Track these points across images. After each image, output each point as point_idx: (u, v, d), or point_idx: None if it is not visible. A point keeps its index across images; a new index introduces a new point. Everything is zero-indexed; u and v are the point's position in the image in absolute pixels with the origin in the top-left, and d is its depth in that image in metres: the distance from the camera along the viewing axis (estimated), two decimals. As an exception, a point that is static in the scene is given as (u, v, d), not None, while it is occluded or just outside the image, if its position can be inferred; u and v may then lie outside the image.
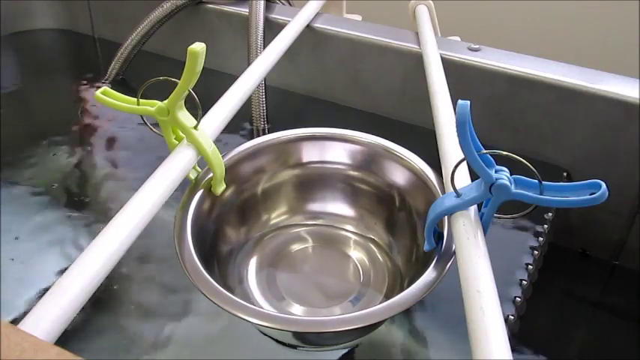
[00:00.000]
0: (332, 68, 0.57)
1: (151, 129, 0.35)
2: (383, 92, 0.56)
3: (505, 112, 0.50)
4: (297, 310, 0.35)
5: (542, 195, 0.27)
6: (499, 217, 0.31)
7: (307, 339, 0.33)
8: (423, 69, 0.47)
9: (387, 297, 0.34)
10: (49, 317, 0.24)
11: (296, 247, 0.39)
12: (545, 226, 0.43)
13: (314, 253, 0.39)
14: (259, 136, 0.41)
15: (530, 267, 0.39)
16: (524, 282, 0.38)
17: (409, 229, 0.37)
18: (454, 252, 0.31)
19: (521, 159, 0.26)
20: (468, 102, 0.26)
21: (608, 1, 0.89)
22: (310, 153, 0.41)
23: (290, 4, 0.63)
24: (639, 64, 0.87)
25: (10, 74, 0.65)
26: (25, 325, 0.23)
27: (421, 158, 0.38)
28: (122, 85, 0.62)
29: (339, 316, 0.29)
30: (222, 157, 0.36)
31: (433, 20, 0.56)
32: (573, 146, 0.48)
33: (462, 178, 0.32)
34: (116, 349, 0.35)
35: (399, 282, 0.36)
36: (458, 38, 0.55)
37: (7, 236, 0.42)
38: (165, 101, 0.33)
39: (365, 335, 0.34)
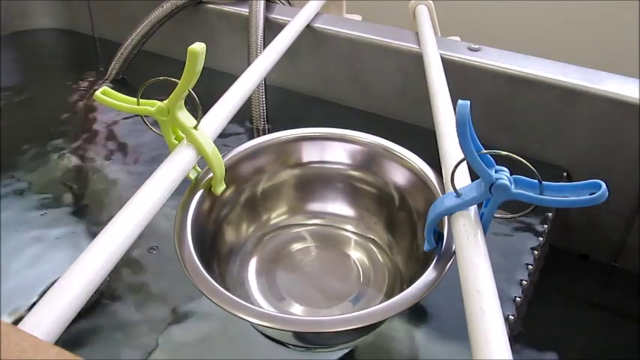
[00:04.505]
0: (332, 68, 0.57)
1: (151, 129, 0.35)
2: (383, 92, 0.56)
3: (505, 112, 0.50)
4: (297, 310, 0.35)
5: (542, 195, 0.27)
6: (499, 217, 0.31)
7: (307, 339, 0.33)
8: (423, 69, 0.47)
9: (387, 297, 0.34)
10: (49, 317, 0.24)
11: (296, 247, 0.39)
12: (546, 226, 0.43)
13: (314, 253, 0.39)
14: (259, 136, 0.41)
15: (530, 267, 0.39)
16: (525, 282, 0.38)
17: (409, 229, 0.37)
18: (454, 252, 0.31)
19: (521, 159, 0.26)
20: (468, 102, 0.26)
21: (608, 1, 0.89)
22: (310, 153, 0.41)
23: (290, 4, 0.63)
24: (639, 64, 0.87)
25: (10, 74, 0.65)
26: (25, 325, 0.23)
27: (421, 158, 0.38)
28: (122, 85, 0.62)
29: (339, 316, 0.29)
30: (222, 157, 0.36)
31: (433, 20, 0.56)
32: (573, 146, 0.48)
33: (462, 178, 0.32)
34: (116, 349, 0.35)
35: (399, 282, 0.36)
36: (458, 38, 0.55)
37: (6, 235, 0.42)
38: (166, 101, 0.33)
39: (365, 335, 0.34)
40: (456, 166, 0.29)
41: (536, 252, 0.41)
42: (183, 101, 0.33)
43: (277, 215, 0.41)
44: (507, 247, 0.41)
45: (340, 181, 0.41)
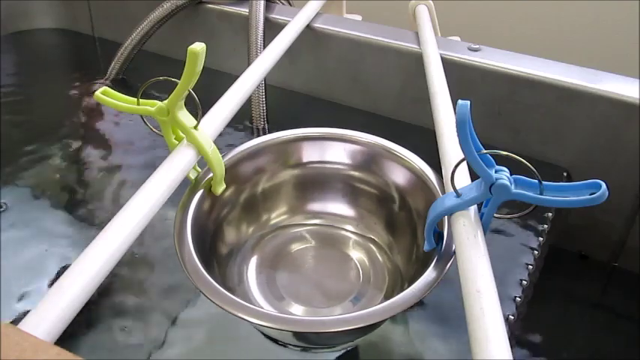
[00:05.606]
0: (332, 68, 0.57)
1: (151, 129, 0.35)
2: (383, 92, 0.56)
3: (505, 112, 0.50)
4: (297, 310, 0.35)
5: (542, 195, 0.27)
6: (499, 217, 0.31)
7: (307, 339, 0.33)
8: (423, 69, 0.47)
9: (387, 297, 0.34)
10: (49, 317, 0.24)
11: (296, 247, 0.39)
12: (545, 226, 0.43)
13: (314, 253, 0.39)
14: (259, 136, 0.41)
15: (530, 267, 0.39)
16: (525, 282, 0.38)
17: (409, 229, 0.37)
18: (454, 252, 0.31)
19: (521, 159, 0.26)
20: (468, 102, 0.26)
21: (608, 1, 0.89)
22: (310, 153, 0.41)
23: (290, 4, 0.63)
24: (639, 64, 0.87)
25: (10, 74, 0.65)
26: (25, 325, 0.23)
27: (421, 158, 0.38)
28: (122, 85, 0.62)
29: (339, 316, 0.29)
30: (222, 157, 0.36)
31: (433, 20, 0.56)
32: (573, 146, 0.48)
33: (462, 178, 0.32)
34: (116, 349, 0.35)
35: (399, 282, 0.36)
36: (458, 38, 0.55)
37: (7, 236, 0.42)
38: (165, 101, 0.33)
39: (365, 335, 0.34)
40: (456, 166, 0.29)
41: (536, 252, 0.41)
42: (183, 101, 0.33)
43: (277, 215, 0.41)
44: (507, 247, 0.41)
45: (340, 181, 0.41)
